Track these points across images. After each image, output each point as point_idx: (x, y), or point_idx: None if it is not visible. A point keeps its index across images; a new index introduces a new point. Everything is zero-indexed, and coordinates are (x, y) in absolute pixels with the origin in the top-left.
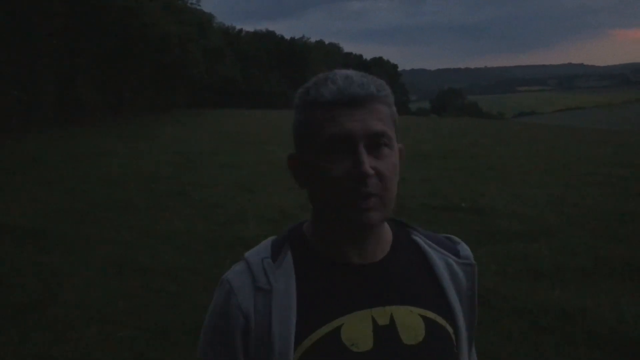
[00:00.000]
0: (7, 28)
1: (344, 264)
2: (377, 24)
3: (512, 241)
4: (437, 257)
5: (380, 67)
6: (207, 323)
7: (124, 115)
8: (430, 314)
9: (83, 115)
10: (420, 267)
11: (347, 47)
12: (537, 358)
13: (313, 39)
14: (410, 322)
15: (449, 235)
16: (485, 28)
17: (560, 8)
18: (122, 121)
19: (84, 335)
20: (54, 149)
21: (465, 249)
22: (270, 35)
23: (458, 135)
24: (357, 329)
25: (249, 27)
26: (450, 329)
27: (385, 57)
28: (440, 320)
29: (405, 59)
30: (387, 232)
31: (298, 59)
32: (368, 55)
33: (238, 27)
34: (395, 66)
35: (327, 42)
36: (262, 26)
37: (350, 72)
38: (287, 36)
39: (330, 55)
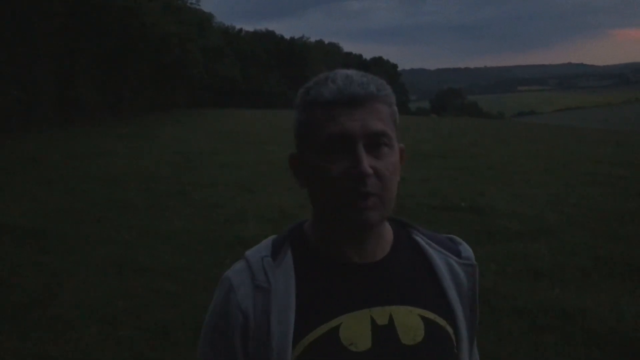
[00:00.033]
0: (7, 28)
1: (344, 264)
2: (376, 23)
3: (512, 241)
4: (438, 257)
5: (380, 67)
6: (207, 321)
7: (124, 115)
8: (430, 314)
9: (83, 115)
10: (420, 267)
11: (347, 47)
12: (536, 358)
13: (313, 39)
14: (410, 322)
15: (451, 235)
16: (485, 28)
17: (560, 8)
18: (122, 121)
19: (84, 335)
20: (53, 148)
21: (466, 249)
22: (270, 34)
23: (458, 135)
24: (355, 328)
25: (248, 27)
26: (450, 330)
27: (385, 57)
28: (440, 320)
29: (405, 58)
30: (387, 231)
31: (298, 59)
32: (368, 55)
33: (238, 26)
34: (395, 66)
35: (326, 42)
36: (262, 26)
37: (350, 71)
38: (287, 36)
39: (330, 55)
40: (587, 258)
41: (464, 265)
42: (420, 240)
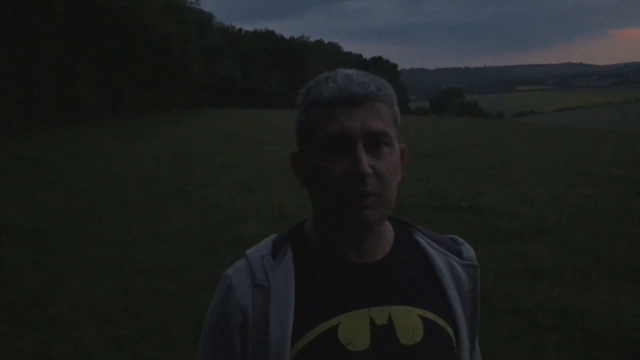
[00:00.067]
0: (7, 28)
1: (344, 263)
2: (376, 23)
3: (512, 241)
4: (439, 258)
5: (379, 67)
6: (207, 319)
7: (124, 115)
8: (430, 315)
9: (83, 115)
10: (421, 267)
11: (347, 47)
12: (536, 358)
13: (312, 39)
14: (409, 322)
15: (453, 236)
16: (485, 27)
17: (559, 7)
18: (121, 121)
19: (84, 334)
20: (53, 148)
21: (468, 249)
22: (269, 34)
23: (457, 135)
24: (354, 328)
25: (248, 27)
26: (450, 330)
27: (384, 57)
28: (440, 321)
29: (404, 58)
30: (388, 231)
31: (297, 59)
32: (367, 54)
33: (237, 26)
34: (394, 65)
35: (326, 42)
36: (262, 25)
37: (352, 71)
38: (287, 35)
39: (330, 55)
40: (587, 258)
41: (466, 266)
42: (422, 240)
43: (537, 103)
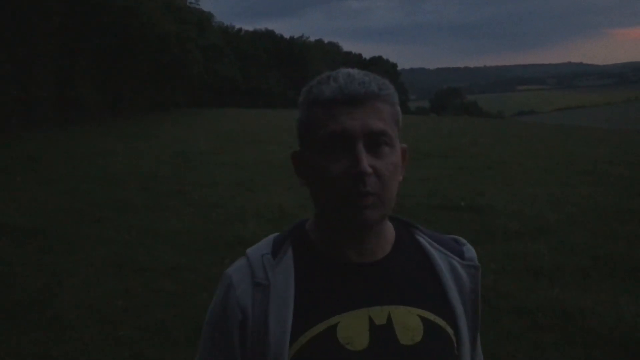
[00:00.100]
0: (7, 28)
1: (344, 263)
2: (376, 22)
3: (512, 240)
4: (440, 258)
5: (379, 66)
6: (208, 316)
7: (124, 115)
8: (430, 315)
9: (82, 115)
10: (422, 267)
11: (347, 46)
12: (536, 357)
13: (312, 38)
14: (408, 322)
15: (455, 236)
16: (485, 27)
17: (559, 7)
18: (121, 121)
19: (84, 334)
20: (53, 148)
21: (470, 250)
22: (269, 34)
23: (457, 135)
24: (353, 327)
25: (248, 26)
26: (450, 331)
27: (384, 56)
28: (440, 321)
29: (404, 58)
30: (389, 231)
31: (297, 58)
32: (367, 54)
33: (237, 26)
34: (394, 65)
35: (326, 41)
36: (262, 25)
37: (353, 70)
38: (287, 35)
39: (330, 55)
40: (586, 257)
41: (467, 267)
42: (423, 240)
43: (537, 103)
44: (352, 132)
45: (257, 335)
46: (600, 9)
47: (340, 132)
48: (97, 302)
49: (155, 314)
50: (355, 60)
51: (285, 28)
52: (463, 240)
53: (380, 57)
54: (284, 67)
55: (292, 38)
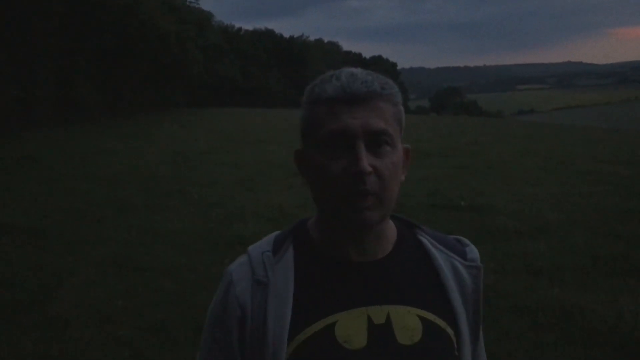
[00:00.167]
0: (7, 27)
1: (344, 262)
2: (376, 22)
3: (512, 239)
4: (442, 259)
5: (379, 66)
6: (209, 312)
7: (123, 115)
8: (430, 316)
9: (82, 114)
10: (423, 267)
11: (347, 46)
12: (536, 356)
13: (312, 38)
14: (408, 322)
15: (459, 237)
16: (484, 26)
17: (559, 7)
18: (121, 120)
19: (84, 334)
20: (53, 148)
21: (472, 251)
22: (269, 33)
23: (457, 134)
24: (351, 326)
25: (248, 26)
26: (451, 331)
27: (384, 56)
28: (440, 322)
29: (404, 57)
30: (390, 230)
31: (297, 58)
32: (367, 53)
33: (237, 25)
34: (394, 64)
35: (326, 41)
36: (261, 25)
37: (356, 70)
38: (286, 35)
39: (330, 54)
40: (586, 257)
41: (469, 267)
42: (425, 240)
43: (536, 102)
44: (352, 131)
45: (256, 332)
46: (600, 8)
47: (341, 130)
48: (97, 302)
49: (155, 314)
50: (355, 60)
51: (285, 27)
52: (466, 241)
53: (380, 57)
54: (284, 66)
55: (292, 37)
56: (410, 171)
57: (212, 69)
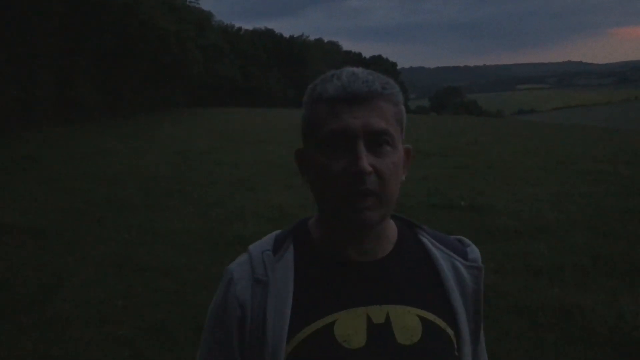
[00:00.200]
0: (7, 28)
1: (344, 261)
2: (376, 22)
3: (512, 239)
4: (443, 259)
5: (379, 65)
6: (210, 311)
7: (123, 115)
8: (430, 316)
9: (82, 114)
10: (423, 267)
11: (347, 46)
12: (536, 356)
13: (312, 37)
14: (407, 322)
15: (460, 237)
16: (484, 26)
17: (559, 6)
18: (121, 120)
19: (84, 334)
20: (53, 148)
21: (474, 251)
22: (269, 33)
23: (457, 134)
24: (350, 325)
25: (248, 26)
26: (451, 332)
27: (384, 55)
28: (440, 322)
29: (404, 57)
30: (390, 230)
31: (297, 58)
32: (367, 53)
33: (237, 25)
34: (394, 64)
35: (326, 41)
36: (261, 24)
37: (357, 69)
38: (286, 34)
39: (330, 54)
40: (586, 256)
41: (470, 268)
42: (426, 241)
43: (536, 102)
44: (353, 130)
45: (255, 331)
46: (600, 8)
47: (341, 130)
48: (97, 302)
49: (155, 314)
50: (355, 60)
51: (285, 27)
52: (468, 241)
53: (380, 56)
54: (284, 66)
55: (292, 37)
56: (410, 171)
57: (212, 69)
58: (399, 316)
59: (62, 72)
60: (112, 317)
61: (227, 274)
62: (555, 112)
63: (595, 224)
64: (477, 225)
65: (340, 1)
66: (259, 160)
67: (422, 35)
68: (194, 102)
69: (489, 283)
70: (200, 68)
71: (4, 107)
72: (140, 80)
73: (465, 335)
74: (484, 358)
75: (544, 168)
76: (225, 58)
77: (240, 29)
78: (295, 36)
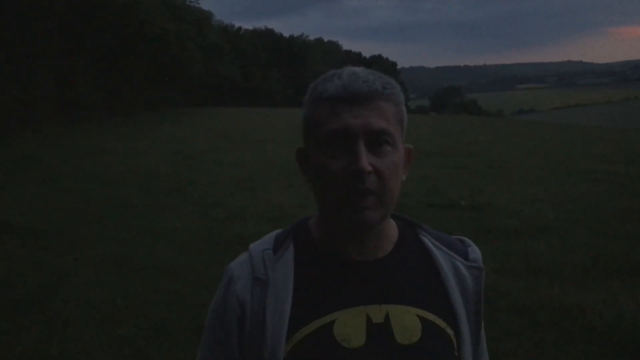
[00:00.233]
0: (7, 27)
1: (344, 261)
2: (376, 21)
3: (511, 239)
4: (443, 259)
5: (379, 65)
6: (210, 309)
7: (123, 114)
8: (430, 316)
9: (82, 114)
10: (424, 267)
11: (346, 45)
12: (536, 355)
13: (312, 37)
14: (407, 321)
15: (461, 237)
16: (484, 26)
17: (559, 6)
18: (120, 120)
19: (84, 333)
20: (53, 148)
21: (475, 251)
22: (269, 33)
23: (457, 133)
24: (350, 324)
25: (247, 25)
26: (451, 332)
27: (384, 55)
28: (440, 322)
29: (404, 56)
30: (391, 230)
31: (297, 57)
32: (367, 53)
33: (237, 25)
34: (394, 64)
35: (326, 40)
36: (261, 24)
37: (358, 69)
38: (286, 34)
39: (330, 54)
40: (586, 256)
41: (471, 268)
42: (427, 240)
43: (536, 101)
44: (353, 130)
45: (254, 329)
46: (600, 7)
47: (341, 130)
48: (97, 301)
49: (155, 313)
50: (355, 59)
51: (285, 27)
52: (469, 242)
53: (380, 56)
54: (284, 66)
55: (291, 37)
56: (410, 170)
57: (211, 69)
58: (399, 316)
59: (62, 72)
60: (112, 317)
61: (227, 273)
62: (556, 112)
63: (595, 223)
64: (477, 225)
65: (340, 1)
66: (259, 160)
67: (422, 34)
68: (194, 102)
69: (489, 283)
70: (200, 68)
71: (4, 107)
72: (140, 80)
73: (465, 336)
74: (486, 358)
75: (544, 168)
76: (225, 58)
77: (240, 28)
78: (295, 36)
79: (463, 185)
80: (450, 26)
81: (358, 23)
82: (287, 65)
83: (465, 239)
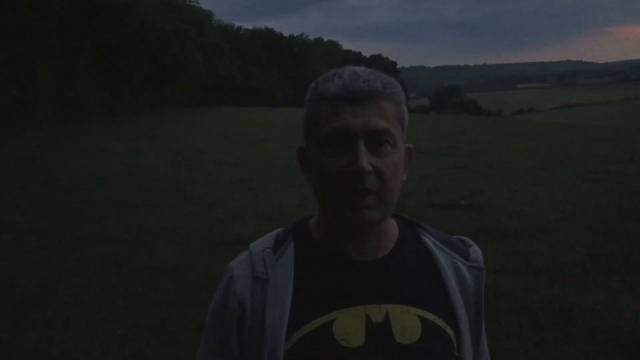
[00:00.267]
0: (7, 27)
1: (344, 260)
2: (376, 21)
3: (511, 238)
4: (444, 259)
5: (379, 65)
6: (211, 308)
7: (123, 114)
8: (430, 315)
9: (82, 114)
10: (424, 267)
11: (346, 45)
12: (536, 355)
13: (312, 37)
14: (406, 321)
15: (462, 237)
16: (484, 25)
17: (559, 5)
18: (120, 120)
19: (84, 333)
20: (53, 147)
21: (476, 251)
22: (269, 32)
23: (457, 133)
24: (349, 324)
25: (247, 25)
26: (451, 332)
27: (384, 55)
28: (440, 322)
29: (404, 56)
30: (391, 229)
31: (297, 57)
32: (367, 52)
33: (237, 24)
34: (394, 63)
35: (326, 40)
36: (261, 24)
37: (359, 68)
38: (286, 34)
39: (329, 53)
40: (586, 255)
41: (471, 268)
42: (427, 240)
43: (536, 101)
44: (353, 129)
45: (254, 328)
46: (600, 7)
47: (342, 129)
48: (97, 301)
49: (155, 313)
50: (355, 59)
51: (285, 26)
52: (470, 242)
53: (380, 56)
54: (284, 65)
55: (291, 36)
56: (410, 170)
57: (211, 69)
58: (398, 316)
59: (62, 72)
60: (112, 316)
61: (227, 272)
62: (556, 111)
63: (595, 223)
64: (477, 225)
65: (340, 0)
66: (259, 160)
67: (422, 34)
68: (193, 102)
69: (489, 283)
70: (200, 68)
71: (4, 107)
72: (140, 80)
73: (465, 336)
74: (486, 358)
75: (544, 168)
76: (225, 57)
77: (240, 28)
78: (295, 35)
79: (463, 185)
80: (450, 26)
81: (358, 22)
82: (287, 65)
83: (466, 239)
